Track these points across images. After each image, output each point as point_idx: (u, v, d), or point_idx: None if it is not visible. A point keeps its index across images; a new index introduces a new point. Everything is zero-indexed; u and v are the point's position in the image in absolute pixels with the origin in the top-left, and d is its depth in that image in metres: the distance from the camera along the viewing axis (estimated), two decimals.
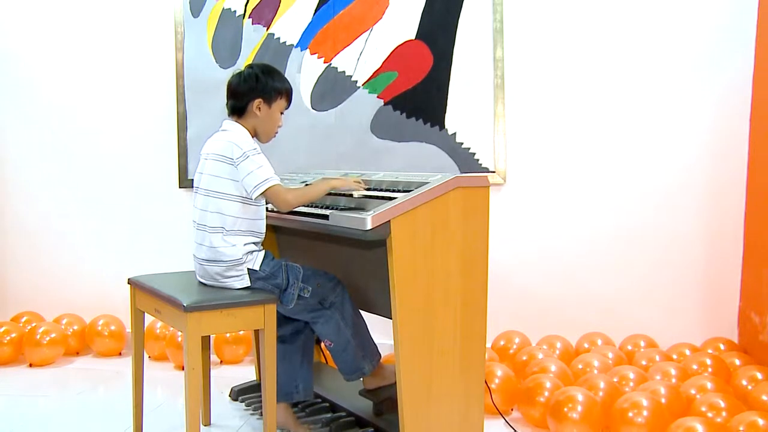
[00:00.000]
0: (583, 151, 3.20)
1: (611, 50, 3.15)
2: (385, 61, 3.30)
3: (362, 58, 3.32)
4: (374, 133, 3.32)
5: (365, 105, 3.32)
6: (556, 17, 3.18)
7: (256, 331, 2.38)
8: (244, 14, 3.43)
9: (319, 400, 2.63)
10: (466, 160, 3.25)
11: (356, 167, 3.27)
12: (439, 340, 2.08)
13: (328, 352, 2.56)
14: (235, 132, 2.24)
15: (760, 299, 2.88)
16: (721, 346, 2.98)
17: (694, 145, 3.11)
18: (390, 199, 2.04)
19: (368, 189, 2.32)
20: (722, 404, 2.30)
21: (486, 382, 2.38)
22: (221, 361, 3.39)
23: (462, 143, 3.25)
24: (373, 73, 3.31)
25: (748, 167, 3.05)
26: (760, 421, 2.11)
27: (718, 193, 3.11)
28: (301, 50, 3.38)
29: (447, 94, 3.25)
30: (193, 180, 3.40)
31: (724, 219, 3.10)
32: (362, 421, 2.40)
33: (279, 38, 3.40)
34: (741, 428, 2.12)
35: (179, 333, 3.24)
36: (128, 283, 2.43)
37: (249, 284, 2.21)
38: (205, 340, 2.42)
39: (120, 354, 3.55)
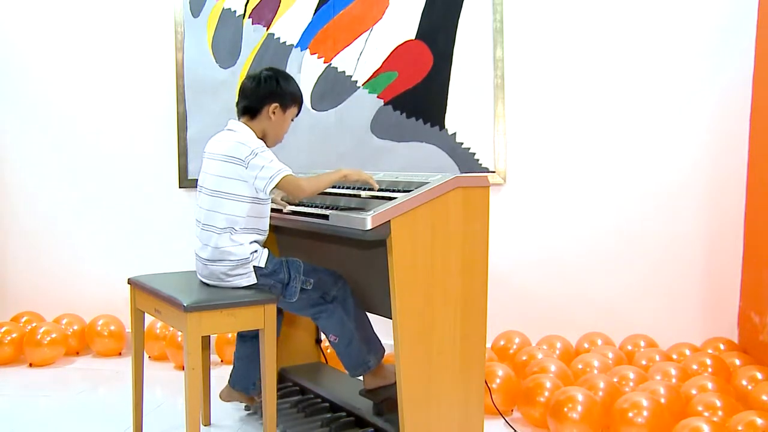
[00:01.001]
0: (583, 151, 3.20)
1: (611, 50, 3.15)
2: (385, 61, 3.30)
3: (362, 58, 3.32)
4: (374, 133, 3.32)
5: (365, 105, 3.32)
6: (556, 17, 3.19)
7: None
8: (244, 14, 3.43)
9: (319, 400, 2.63)
10: (466, 160, 3.25)
11: (356, 167, 3.25)
12: (439, 340, 2.08)
13: (331, 348, 2.56)
14: (242, 132, 2.24)
15: (760, 299, 2.88)
16: (721, 346, 2.98)
17: (694, 145, 3.11)
18: (390, 199, 2.04)
19: (362, 189, 2.32)
20: (722, 404, 2.30)
21: (486, 382, 2.38)
22: (221, 361, 3.39)
23: (462, 143, 3.25)
24: (373, 73, 3.31)
25: (748, 167, 3.05)
26: (759, 421, 2.11)
27: (718, 193, 3.11)
28: (301, 50, 3.38)
29: (447, 94, 3.25)
30: (193, 180, 3.45)
31: (724, 219, 3.10)
32: (362, 421, 2.40)
33: (279, 38, 3.40)
34: (739, 428, 2.12)
35: (179, 333, 3.24)
36: (128, 283, 2.43)
37: (255, 281, 2.22)
38: (206, 340, 2.42)
39: (120, 354, 3.55)
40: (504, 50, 3.21)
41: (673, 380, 2.62)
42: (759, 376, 2.57)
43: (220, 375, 3.16)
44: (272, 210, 2.37)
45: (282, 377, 2.82)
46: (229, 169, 2.19)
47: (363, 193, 2.28)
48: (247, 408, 2.73)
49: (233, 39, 3.44)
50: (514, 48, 3.21)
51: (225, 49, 3.45)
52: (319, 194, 2.39)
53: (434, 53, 3.25)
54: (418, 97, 3.27)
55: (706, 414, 2.29)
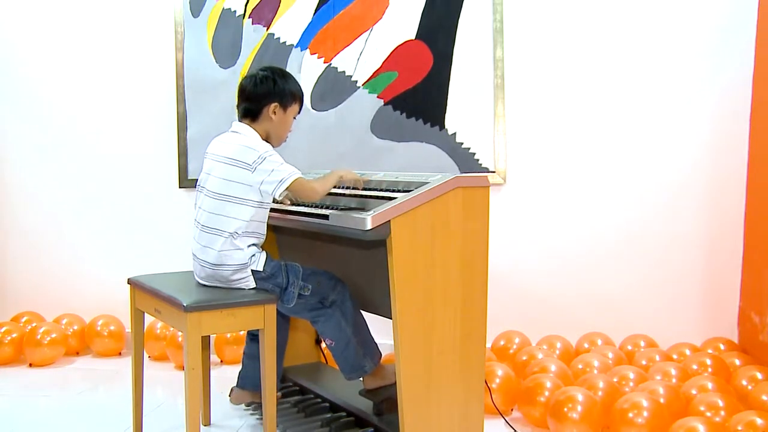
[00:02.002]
0: (583, 151, 3.20)
1: (611, 50, 3.15)
2: (385, 61, 3.30)
3: (362, 58, 3.32)
4: (374, 133, 3.32)
5: (365, 105, 3.32)
6: (556, 17, 3.18)
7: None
8: (244, 14, 3.43)
9: (319, 400, 2.63)
10: (466, 160, 3.25)
11: (356, 167, 3.25)
12: (439, 340, 2.08)
13: (328, 351, 2.56)
14: (248, 136, 2.23)
15: (760, 299, 2.88)
16: (721, 346, 2.98)
17: (694, 145, 3.11)
18: (390, 199, 2.04)
19: (366, 189, 2.32)
20: (722, 404, 2.30)
21: (486, 382, 2.38)
22: (221, 361, 3.39)
23: (462, 143, 3.25)
24: (373, 73, 3.31)
25: (748, 167, 3.05)
26: (759, 421, 2.11)
27: (718, 193, 3.11)
28: (301, 50, 3.38)
29: (447, 94, 3.25)
30: (193, 180, 3.45)
31: (724, 219, 3.10)
32: (362, 421, 2.40)
33: (279, 38, 3.40)
34: (739, 428, 2.12)
35: (179, 333, 3.24)
36: (128, 283, 2.43)
37: (254, 285, 2.21)
38: (205, 340, 2.42)
39: (120, 354, 3.55)
40: (504, 50, 3.21)
41: (673, 380, 2.62)
42: (759, 376, 2.57)
43: (220, 375, 3.16)
44: (272, 210, 2.37)
45: (282, 377, 2.82)
46: (235, 173, 2.18)
47: (364, 192, 2.28)
48: (248, 405, 2.72)
49: (233, 39, 3.44)
50: (514, 48, 3.21)
51: (225, 49, 3.45)
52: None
53: (434, 53, 3.25)
54: (418, 97, 3.27)
55: (708, 414, 2.28)
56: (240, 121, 2.31)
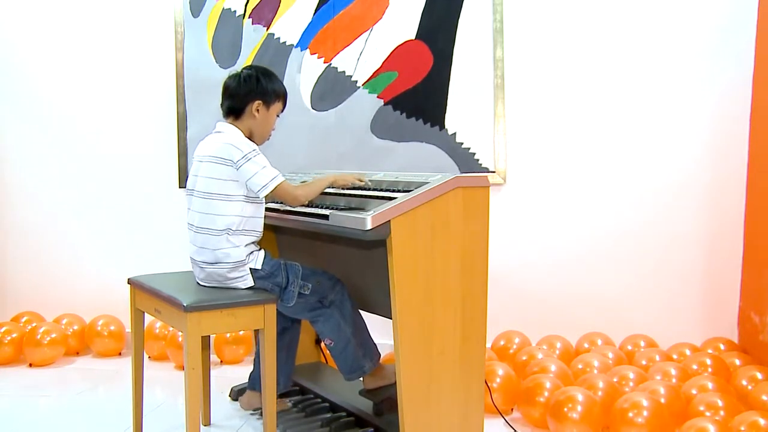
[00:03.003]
0: (583, 151, 3.20)
1: (611, 50, 3.15)
2: (385, 61, 3.30)
3: (362, 58, 3.32)
4: (374, 133, 3.32)
5: (365, 105, 3.32)
6: (556, 17, 3.18)
7: (256, 331, 2.38)
8: (244, 14, 3.43)
9: (319, 400, 2.63)
10: (466, 160, 3.25)
11: (356, 167, 3.27)
12: (439, 340, 2.08)
13: (328, 351, 2.56)
14: (231, 134, 2.24)
15: (760, 299, 2.88)
16: (721, 346, 2.98)
17: (694, 145, 3.11)
18: (390, 199, 2.04)
19: (366, 189, 2.32)
20: (722, 404, 2.30)
21: (486, 381, 2.38)
22: (221, 361, 3.39)
23: (462, 143, 3.25)
24: (373, 73, 3.31)
25: (748, 167, 3.05)
26: (762, 421, 2.11)
27: (718, 193, 3.11)
28: (301, 50, 3.38)
29: (447, 94, 3.25)
30: None
31: (724, 219, 3.10)
32: (362, 421, 2.40)
33: (279, 38, 3.40)
34: (742, 428, 2.12)
35: (179, 333, 3.24)
36: (128, 283, 2.43)
37: (252, 284, 2.21)
38: (205, 340, 2.42)
39: (120, 354, 3.55)
40: (504, 50, 3.21)
41: (673, 380, 2.62)
42: (759, 376, 2.57)
43: (220, 375, 3.16)
44: (272, 210, 2.37)
45: None
46: (219, 170, 2.19)
47: (364, 192, 2.28)
48: (256, 410, 2.72)
49: (233, 39, 3.44)
50: (514, 48, 3.21)
51: (225, 49, 3.45)
52: (320, 194, 2.39)
53: (434, 53, 3.25)
54: (418, 97, 3.27)
55: (707, 414, 2.28)
56: (224, 118, 2.33)
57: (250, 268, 2.21)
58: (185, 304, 2.03)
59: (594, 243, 3.20)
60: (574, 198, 3.22)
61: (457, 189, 2.06)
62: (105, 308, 3.60)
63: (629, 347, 3.05)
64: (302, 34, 3.38)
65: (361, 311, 2.39)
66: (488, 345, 2.98)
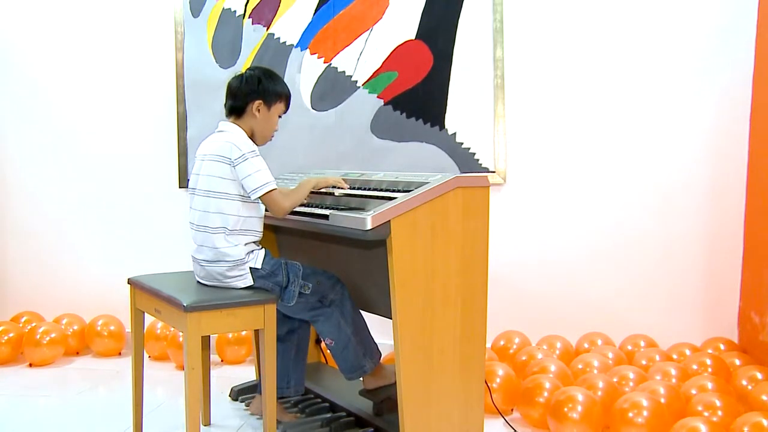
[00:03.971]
0: (584, 151, 3.20)
1: (611, 50, 3.15)
2: (385, 61, 3.30)
3: (362, 58, 3.32)
4: (374, 133, 3.32)
5: (365, 105, 3.32)
6: (556, 17, 3.18)
7: (256, 331, 2.38)
8: (244, 14, 3.43)
9: (319, 400, 2.63)
10: (466, 160, 3.25)
11: (356, 167, 3.27)
12: (439, 340, 2.08)
13: (328, 351, 2.57)
14: (233, 133, 2.25)
15: (760, 299, 2.88)
16: (721, 346, 2.98)
17: (694, 145, 3.11)
18: (390, 199, 2.04)
19: (362, 189, 2.32)
20: (722, 404, 2.30)
21: (486, 382, 2.38)
22: (222, 361, 3.39)
23: (462, 143, 3.25)
24: (373, 73, 3.31)
25: (748, 167, 3.05)
26: (765, 422, 2.10)
27: (718, 193, 3.11)
28: (301, 50, 3.38)
29: (447, 94, 3.25)
30: None
31: (724, 219, 3.10)
32: (362, 421, 2.40)
33: (279, 38, 3.40)
34: (745, 429, 2.12)
35: (179, 333, 3.24)
36: (128, 283, 2.43)
37: (252, 283, 2.21)
38: (206, 340, 2.42)
39: (120, 354, 3.55)
40: (504, 50, 3.21)
41: (673, 380, 2.62)
42: (759, 376, 2.57)
43: (220, 375, 3.17)
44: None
45: None
46: (220, 169, 2.19)
47: (336, 191, 2.30)
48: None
49: (233, 39, 3.44)
50: (514, 48, 3.21)
51: (225, 49, 3.45)
52: (319, 194, 2.39)
53: (434, 53, 3.25)
54: (418, 97, 3.27)
55: (705, 414, 2.28)
56: (226, 118, 2.35)
57: (251, 267, 2.21)
58: (185, 304, 2.03)
59: (594, 243, 3.20)
60: (574, 198, 3.22)
61: (457, 189, 2.06)
62: (105, 308, 3.60)
63: (629, 347, 3.05)
64: (302, 34, 3.38)
65: (361, 311, 2.39)
66: (488, 345, 2.98)
